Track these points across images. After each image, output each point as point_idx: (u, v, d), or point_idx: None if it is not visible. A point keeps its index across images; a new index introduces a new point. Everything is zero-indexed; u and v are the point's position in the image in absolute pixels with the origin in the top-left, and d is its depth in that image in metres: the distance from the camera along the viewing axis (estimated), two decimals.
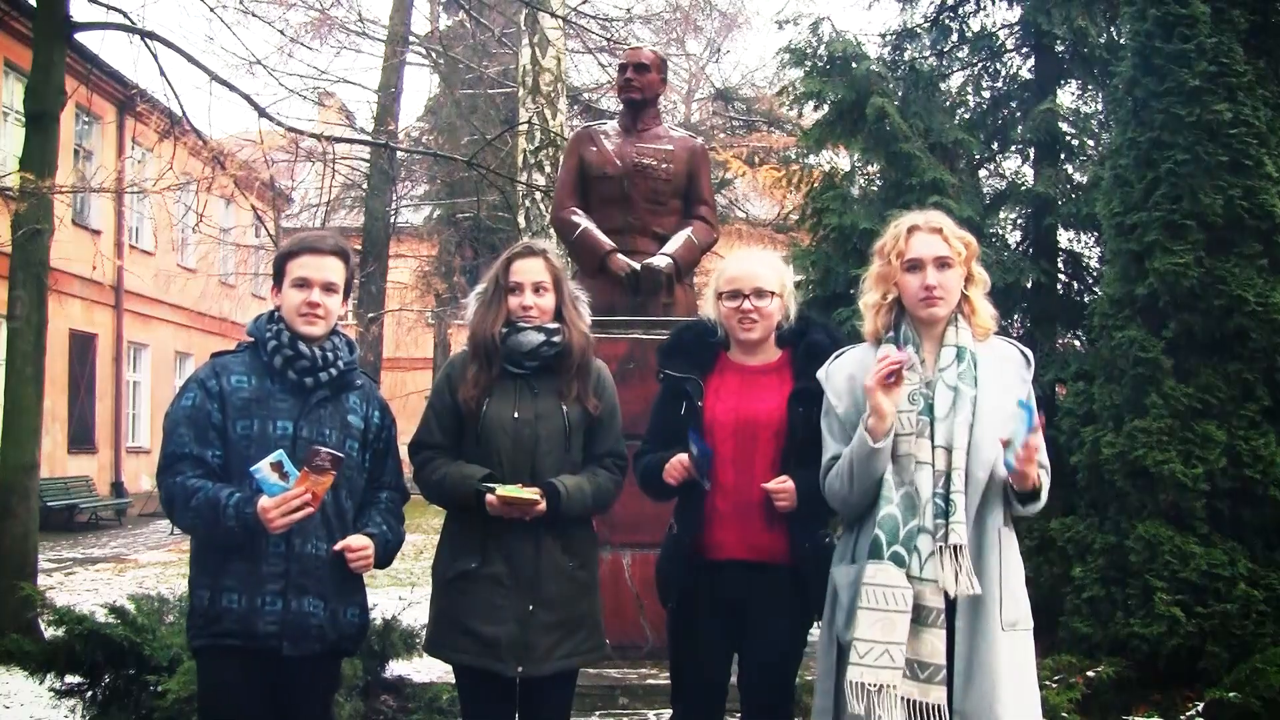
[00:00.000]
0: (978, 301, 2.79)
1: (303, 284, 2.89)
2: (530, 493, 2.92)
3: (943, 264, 2.73)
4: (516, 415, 3.03)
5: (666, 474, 3.00)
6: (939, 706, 2.55)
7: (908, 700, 2.56)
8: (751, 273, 3.09)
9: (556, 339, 3.07)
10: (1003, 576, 2.63)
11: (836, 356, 2.87)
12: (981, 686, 2.56)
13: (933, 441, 2.63)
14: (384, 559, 2.96)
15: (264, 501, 2.68)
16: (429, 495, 3.12)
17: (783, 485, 2.93)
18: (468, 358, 3.12)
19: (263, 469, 2.69)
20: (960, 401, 2.65)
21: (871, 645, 2.56)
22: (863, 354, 2.81)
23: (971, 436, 2.62)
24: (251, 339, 2.94)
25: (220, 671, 2.81)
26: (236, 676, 2.80)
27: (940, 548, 2.57)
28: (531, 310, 3.07)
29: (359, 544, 2.86)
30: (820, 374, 2.86)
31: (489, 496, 2.92)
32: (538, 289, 3.09)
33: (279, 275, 2.95)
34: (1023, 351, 2.83)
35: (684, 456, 2.97)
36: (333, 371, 2.90)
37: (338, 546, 2.83)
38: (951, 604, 2.61)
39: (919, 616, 2.58)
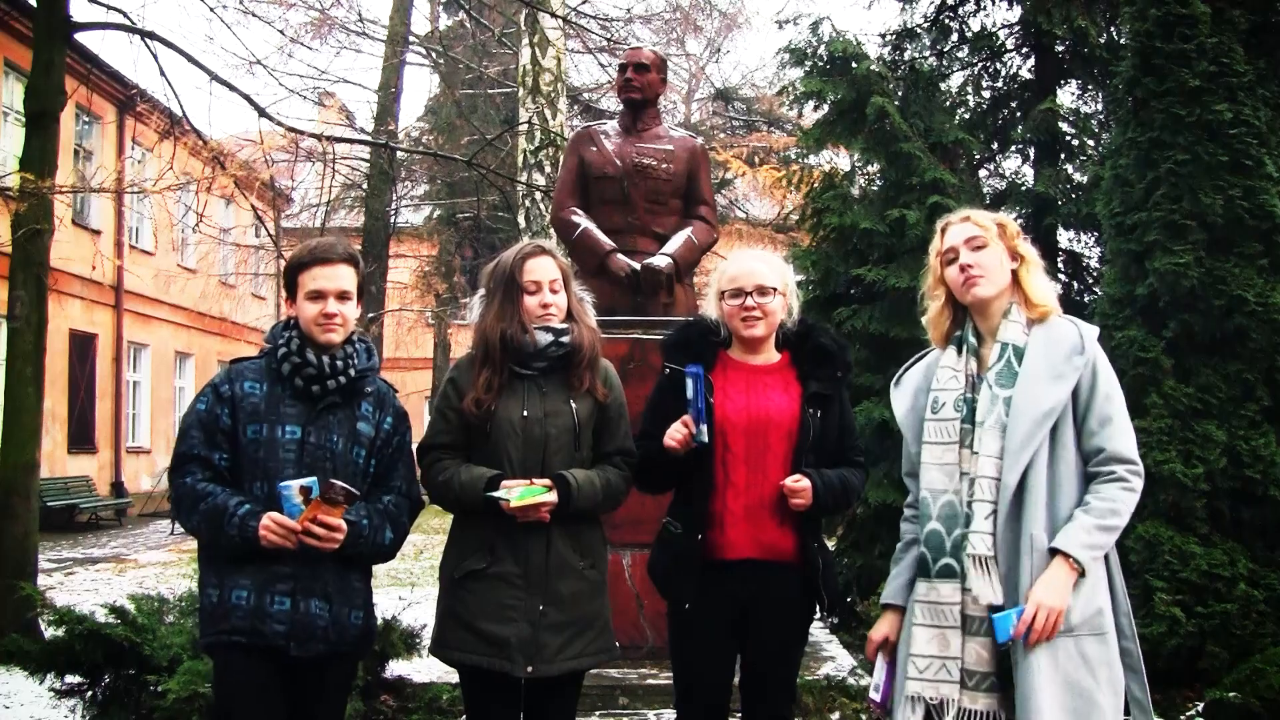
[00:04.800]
0: (1028, 280, 2.72)
1: (317, 296, 2.93)
2: (541, 484, 2.90)
3: (976, 245, 2.71)
4: (526, 414, 3.02)
5: (669, 437, 2.95)
6: (988, 712, 2.58)
7: (960, 709, 2.58)
8: (753, 270, 3.10)
9: (565, 339, 3.06)
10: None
11: (909, 366, 2.89)
12: (1022, 694, 2.50)
13: (973, 450, 2.62)
14: (358, 553, 2.89)
15: (273, 515, 2.73)
16: (436, 497, 3.10)
17: (799, 484, 2.94)
18: (474, 361, 3.10)
19: (292, 489, 2.73)
20: (995, 404, 2.61)
21: (930, 660, 2.62)
22: (928, 362, 2.85)
23: (1004, 440, 2.58)
24: (269, 346, 2.99)
25: (235, 666, 2.84)
26: (251, 672, 2.82)
27: (970, 557, 2.56)
28: (552, 308, 3.07)
29: (334, 523, 2.75)
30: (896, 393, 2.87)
31: (503, 505, 2.89)
32: (554, 287, 3.09)
33: (291, 286, 2.99)
34: (1080, 330, 2.67)
35: (682, 421, 2.93)
36: (341, 380, 2.93)
37: (304, 515, 2.71)
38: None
39: (966, 626, 2.60)
